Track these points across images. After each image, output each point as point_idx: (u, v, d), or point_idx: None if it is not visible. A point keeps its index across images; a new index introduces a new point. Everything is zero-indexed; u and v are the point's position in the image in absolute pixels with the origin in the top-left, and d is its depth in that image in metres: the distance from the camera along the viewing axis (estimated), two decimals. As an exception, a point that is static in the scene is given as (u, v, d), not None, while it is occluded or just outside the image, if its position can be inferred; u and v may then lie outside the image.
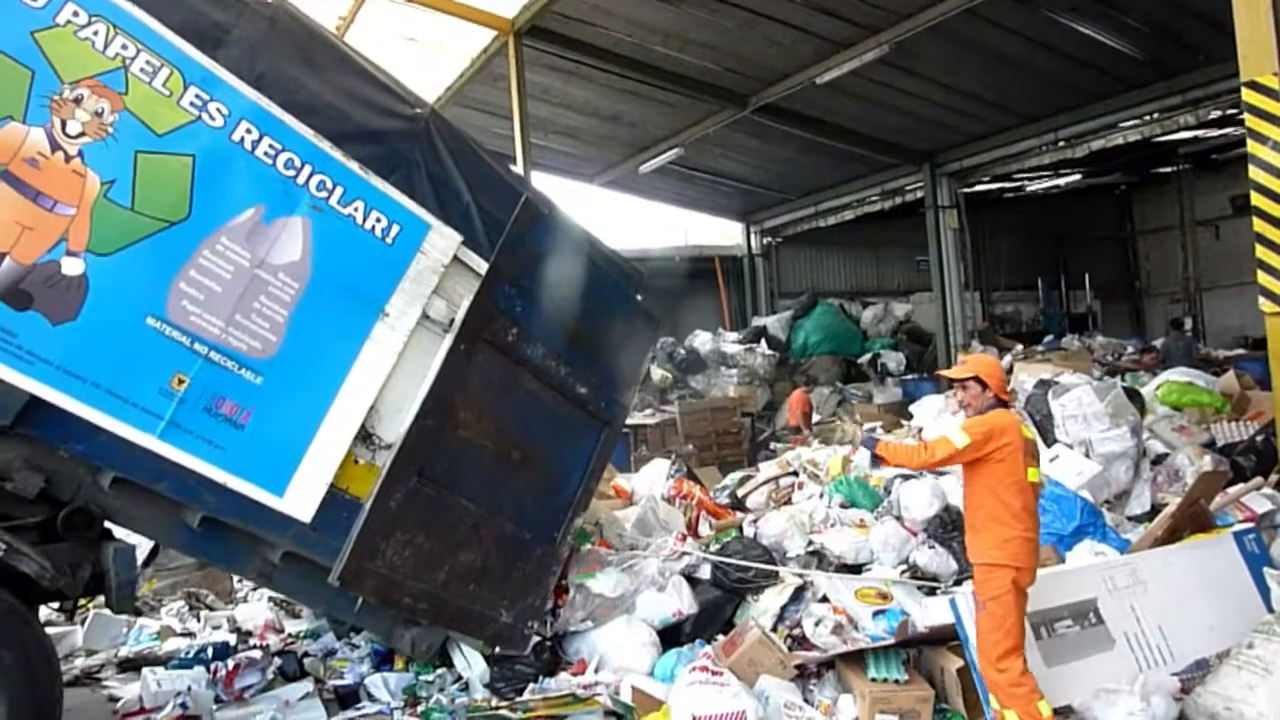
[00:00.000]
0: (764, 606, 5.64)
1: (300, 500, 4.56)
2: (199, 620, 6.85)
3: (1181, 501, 6.15)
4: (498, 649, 5.34)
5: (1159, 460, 7.72)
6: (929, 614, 5.44)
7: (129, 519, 4.39)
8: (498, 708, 4.81)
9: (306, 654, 5.90)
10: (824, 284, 20.59)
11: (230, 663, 5.54)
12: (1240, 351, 13.49)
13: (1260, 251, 5.02)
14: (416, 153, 5.08)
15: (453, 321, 4.98)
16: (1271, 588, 5.05)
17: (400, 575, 4.77)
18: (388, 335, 4.81)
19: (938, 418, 8.86)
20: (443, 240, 5.00)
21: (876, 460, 4.41)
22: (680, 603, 5.65)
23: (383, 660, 5.66)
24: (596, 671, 5.28)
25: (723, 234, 20.86)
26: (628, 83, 12.66)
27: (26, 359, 3.97)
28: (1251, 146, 5.00)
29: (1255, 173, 4.95)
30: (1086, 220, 21.41)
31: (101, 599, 4.71)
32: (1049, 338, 15.14)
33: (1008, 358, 12.17)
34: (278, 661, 5.66)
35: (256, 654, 5.79)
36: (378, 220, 4.82)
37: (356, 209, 4.76)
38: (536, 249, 5.30)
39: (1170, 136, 14.22)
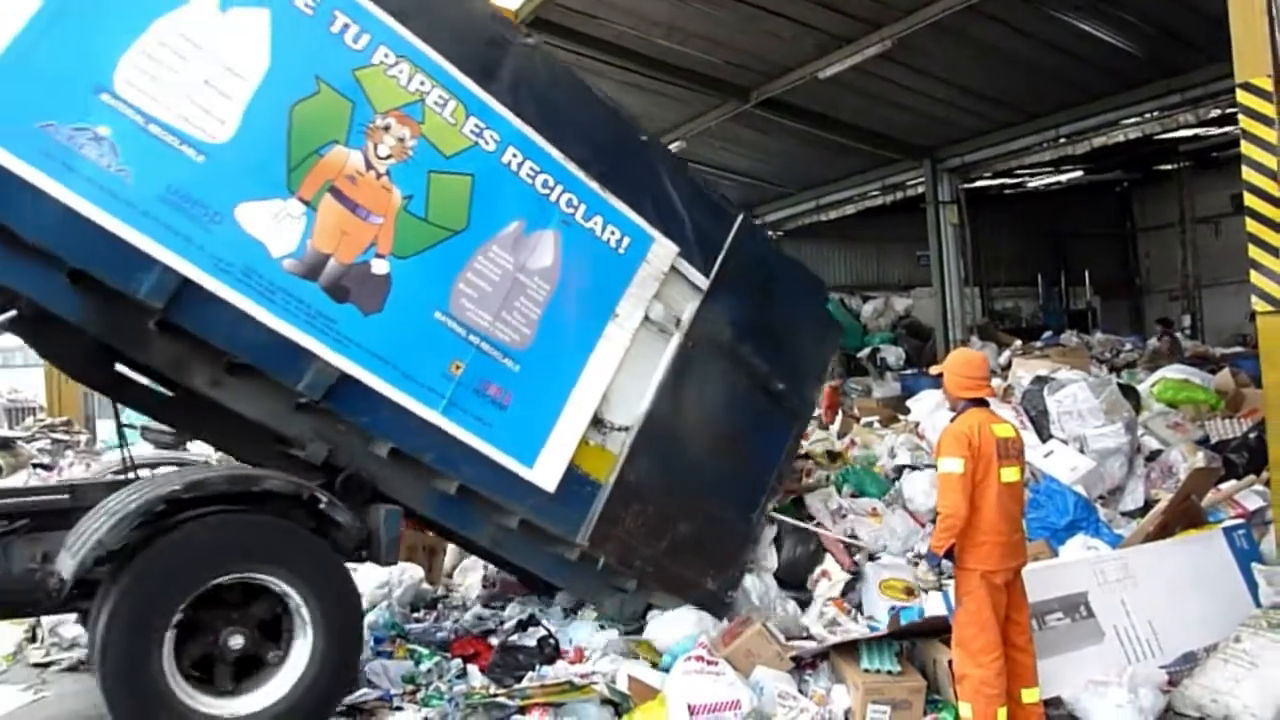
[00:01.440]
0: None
1: (546, 472, 5.31)
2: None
3: (1173, 497, 6.23)
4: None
5: (1153, 457, 7.80)
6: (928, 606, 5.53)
7: (390, 485, 5.02)
8: (495, 695, 4.88)
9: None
10: (824, 278, 20.24)
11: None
12: (1238, 349, 13.53)
13: (1253, 252, 5.07)
14: (643, 174, 5.81)
15: (678, 321, 5.83)
16: (1259, 583, 5.12)
17: (634, 541, 5.55)
18: (617, 333, 5.57)
19: (933, 412, 8.94)
20: (663, 251, 5.76)
21: (941, 558, 4.35)
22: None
23: (383, 648, 5.74)
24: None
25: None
26: (630, 75, 12.67)
27: (344, 343, 4.73)
28: (1245, 148, 5.05)
29: (1249, 174, 5.00)
30: (1087, 217, 21.42)
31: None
32: (1047, 334, 15.17)
33: (1006, 353, 12.23)
34: (280, 648, 5.71)
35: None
36: (612, 233, 5.57)
37: (596, 223, 5.52)
38: (747, 262, 6.15)
39: (1171, 134, 14.23)
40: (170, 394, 5.12)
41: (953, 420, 4.44)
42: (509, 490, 5.22)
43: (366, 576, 6.89)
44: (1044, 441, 7.67)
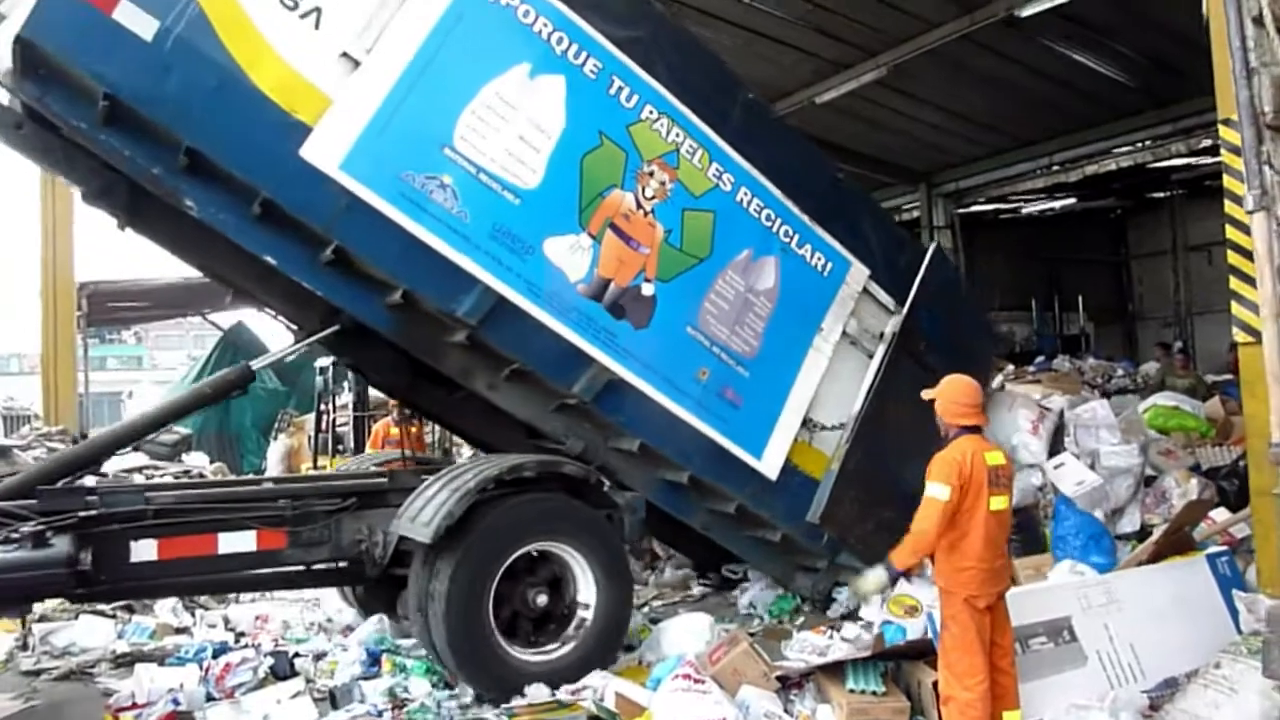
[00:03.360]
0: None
1: (770, 463, 6.28)
2: (194, 618, 6.95)
3: (1166, 529, 6.28)
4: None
5: (1148, 483, 7.84)
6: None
7: (625, 475, 5.93)
8: (483, 713, 4.92)
9: (298, 654, 6.00)
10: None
11: (222, 661, 5.64)
12: (1228, 376, 13.60)
13: (1234, 283, 5.16)
14: (840, 208, 6.78)
15: (881, 335, 6.84)
16: (1240, 610, 5.17)
17: (850, 520, 6.28)
18: (823, 345, 6.55)
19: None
20: (858, 274, 6.75)
21: (899, 573, 4.56)
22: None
23: (373, 662, 5.76)
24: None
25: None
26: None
27: (621, 353, 5.70)
28: (1227, 182, 5.14)
29: (1230, 208, 5.08)
30: (1081, 243, 21.53)
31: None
32: (1040, 359, 15.24)
33: (999, 378, 12.29)
34: (270, 661, 5.75)
35: (250, 653, 5.88)
36: (818, 258, 6.54)
37: (806, 250, 6.48)
38: (935, 284, 7.09)
39: (1163, 163, 14.38)
40: (449, 395, 6.14)
41: (945, 446, 4.47)
42: (735, 479, 6.16)
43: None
44: (1053, 455, 7.76)
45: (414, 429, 10.02)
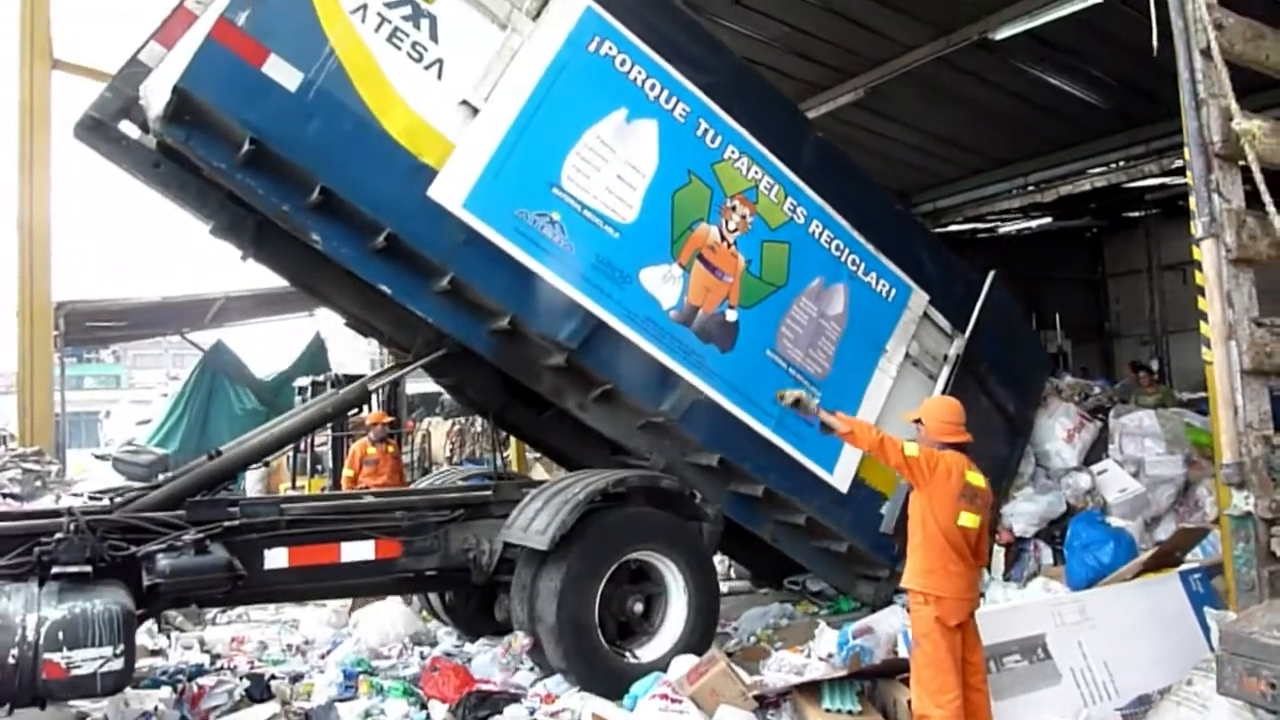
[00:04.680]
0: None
1: (841, 477, 6.69)
2: (169, 640, 6.89)
3: (1156, 552, 6.34)
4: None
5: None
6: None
7: (700, 489, 6.21)
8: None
9: (274, 676, 5.97)
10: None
11: (197, 684, 5.60)
12: (1203, 395, 13.73)
13: (1202, 303, 5.23)
14: (901, 237, 7.26)
15: (945, 357, 7.33)
16: (1211, 627, 5.22)
17: None
18: (887, 366, 6.97)
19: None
20: (919, 299, 7.22)
21: (818, 419, 4.67)
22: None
23: (349, 684, 5.74)
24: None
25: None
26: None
27: (709, 374, 6.11)
28: (1191, 204, 5.21)
29: (1195, 229, 5.15)
30: (1058, 262, 21.71)
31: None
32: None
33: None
34: (245, 683, 5.71)
35: (225, 675, 5.84)
36: (882, 285, 6.99)
37: (872, 277, 6.93)
38: (995, 309, 7.64)
39: (1137, 184, 14.56)
40: (538, 414, 6.59)
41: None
42: (807, 492, 6.55)
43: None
44: (1087, 464, 7.95)
45: (390, 449, 10.03)
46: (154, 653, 6.64)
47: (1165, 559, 6.17)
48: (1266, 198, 3.88)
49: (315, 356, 17.01)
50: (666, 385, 6.01)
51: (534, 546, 5.35)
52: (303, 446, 13.11)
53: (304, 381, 13.95)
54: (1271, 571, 3.83)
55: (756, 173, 6.36)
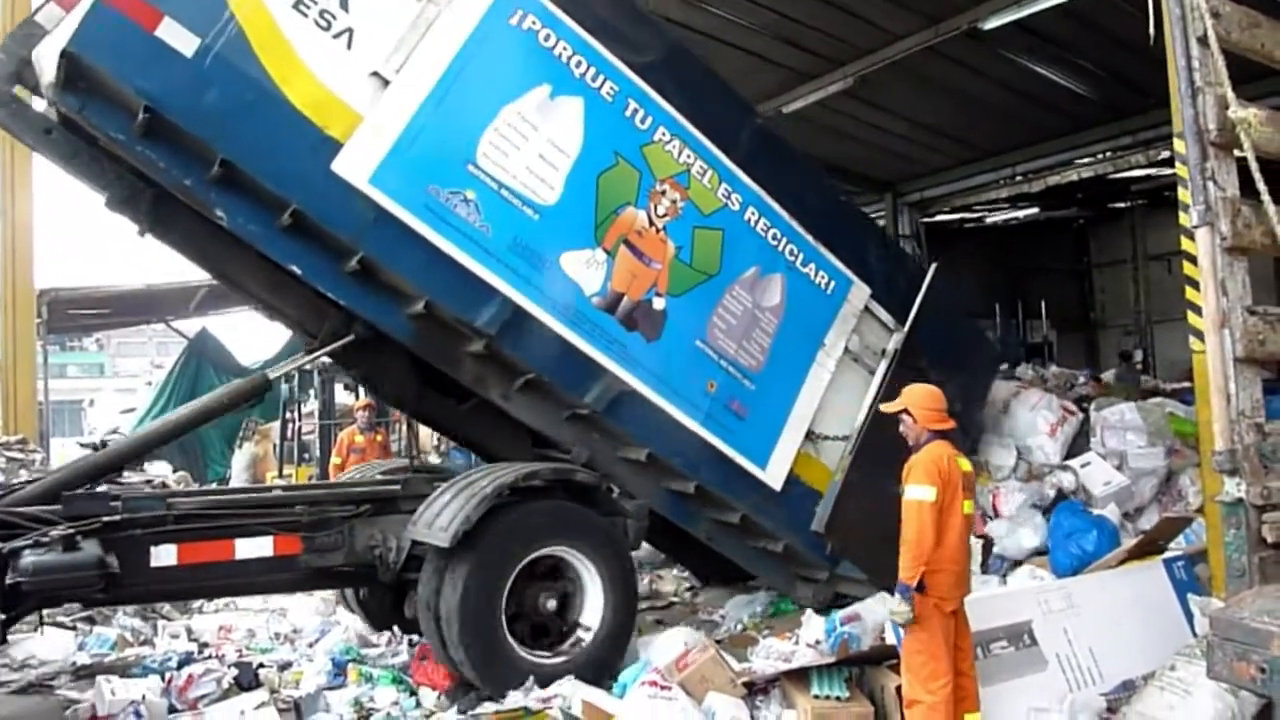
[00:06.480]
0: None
1: (774, 474, 6.41)
2: (156, 630, 6.87)
3: (1139, 541, 6.39)
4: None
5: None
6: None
7: (631, 484, 6.07)
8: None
9: (262, 665, 5.96)
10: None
11: (185, 672, 5.58)
12: (1187, 385, 13.84)
13: (1190, 294, 5.28)
14: (842, 228, 7.04)
15: (883, 351, 7.05)
16: (1195, 613, 5.28)
17: (852, 531, 6.42)
18: (826, 360, 6.71)
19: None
20: (859, 292, 6.95)
21: (913, 589, 4.24)
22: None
23: (338, 672, 5.73)
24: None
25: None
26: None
27: (632, 364, 5.85)
28: (1182, 194, 5.25)
29: (1185, 219, 5.20)
30: (1045, 252, 21.82)
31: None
32: (1003, 366, 15.44)
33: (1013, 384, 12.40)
34: (234, 672, 5.70)
35: (213, 664, 5.83)
36: (821, 276, 6.74)
37: (810, 268, 6.68)
38: (937, 303, 7.34)
39: (1123, 174, 14.65)
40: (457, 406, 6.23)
41: (917, 451, 4.53)
42: (739, 489, 6.28)
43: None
44: (1069, 458, 7.94)
45: (378, 437, 9.99)
46: (142, 642, 6.62)
47: (1149, 547, 6.22)
48: (1261, 186, 3.90)
49: (299, 344, 16.93)
50: (590, 375, 5.75)
51: (436, 544, 5.10)
52: (290, 435, 13.04)
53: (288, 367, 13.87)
54: (1262, 558, 3.85)
55: (689, 156, 6.11)
